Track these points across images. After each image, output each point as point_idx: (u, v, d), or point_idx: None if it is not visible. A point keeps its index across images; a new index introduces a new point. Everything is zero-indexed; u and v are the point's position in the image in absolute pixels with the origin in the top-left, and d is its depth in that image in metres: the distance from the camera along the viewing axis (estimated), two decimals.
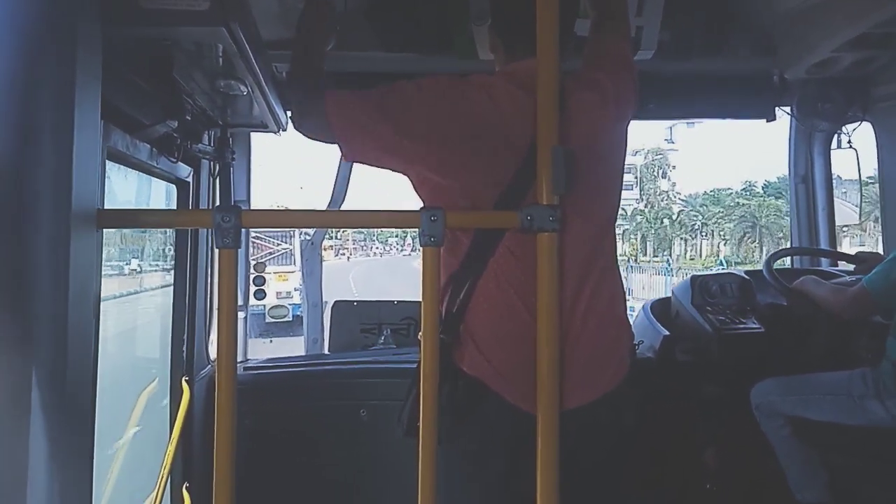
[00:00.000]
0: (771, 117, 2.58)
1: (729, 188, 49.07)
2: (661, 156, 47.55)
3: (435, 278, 1.15)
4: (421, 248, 1.15)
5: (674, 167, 48.66)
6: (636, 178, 45.83)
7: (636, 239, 45.35)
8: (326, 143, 1.42)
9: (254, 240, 14.73)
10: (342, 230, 40.29)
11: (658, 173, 47.48)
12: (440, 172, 1.43)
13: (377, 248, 59.12)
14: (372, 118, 1.37)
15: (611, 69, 1.57)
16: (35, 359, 0.84)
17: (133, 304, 2.57)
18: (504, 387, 1.44)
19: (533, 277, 1.22)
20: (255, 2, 1.58)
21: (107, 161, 1.28)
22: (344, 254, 49.03)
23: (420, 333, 1.16)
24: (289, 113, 2.28)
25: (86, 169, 0.91)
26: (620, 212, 1.70)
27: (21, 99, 0.82)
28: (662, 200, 47.11)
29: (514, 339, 1.42)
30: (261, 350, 4.72)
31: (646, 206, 46.18)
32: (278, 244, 15.09)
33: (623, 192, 1.74)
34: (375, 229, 57.08)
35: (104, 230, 1.18)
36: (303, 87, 1.43)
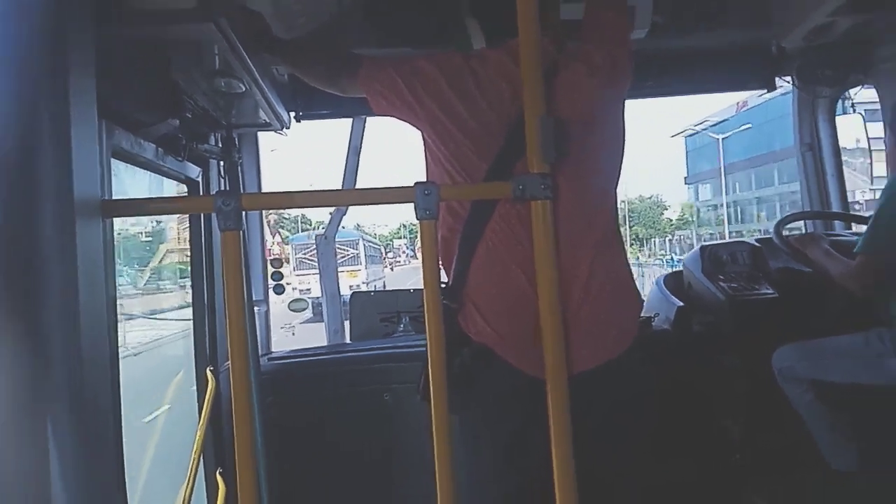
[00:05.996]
0: (771, 87, 2.57)
1: None
2: None
3: (433, 250, 1.18)
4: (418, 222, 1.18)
5: None
6: None
7: None
8: (356, 95, 1.68)
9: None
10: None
11: None
12: (440, 140, 1.54)
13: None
14: (392, 78, 1.58)
15: (601, 41, 1.62)
16: (47, 346, 0.86)
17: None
18: (508, 352, 1.50)
19: (529, 246, 1.26)
20: (248, 3, 1.66)
21: (114, 160, 1.37)
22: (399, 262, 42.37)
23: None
24: (292, 114, 2.36)
25: (85, 162, 0.98)
26: None
27: (17, 96, 0.88)
28: None
29: (514, 305, 1.48)
30: (283, 340, 4.86)
31: None
32: (347, 250, 19.60)
33: None
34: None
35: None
36: (329, 57, 1.75)
